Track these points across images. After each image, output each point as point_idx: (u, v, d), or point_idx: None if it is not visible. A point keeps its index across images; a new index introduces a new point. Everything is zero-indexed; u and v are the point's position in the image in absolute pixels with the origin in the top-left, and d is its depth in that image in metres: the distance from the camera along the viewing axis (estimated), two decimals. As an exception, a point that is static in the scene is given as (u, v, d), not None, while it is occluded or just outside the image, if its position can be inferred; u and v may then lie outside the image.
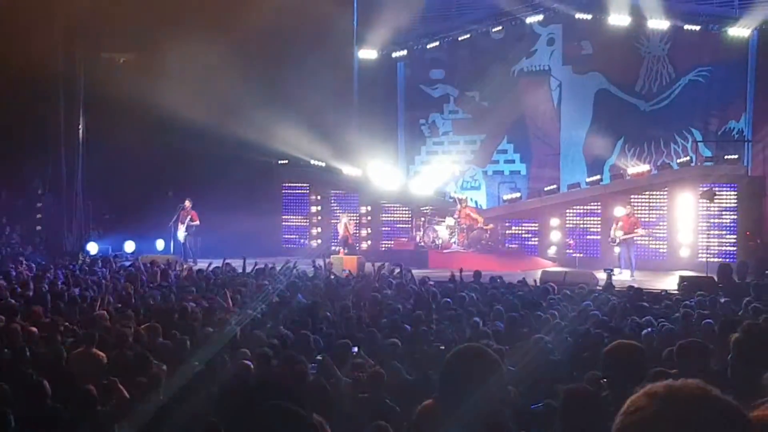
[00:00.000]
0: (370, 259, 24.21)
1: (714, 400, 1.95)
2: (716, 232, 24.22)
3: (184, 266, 22.08)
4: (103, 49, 29.40)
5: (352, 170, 28.81)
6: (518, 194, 27.86)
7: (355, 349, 9.48)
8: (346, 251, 25.07)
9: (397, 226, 28.48)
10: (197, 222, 25.74)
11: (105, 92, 26.21)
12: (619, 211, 23.50)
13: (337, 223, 27.30)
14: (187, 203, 25.82)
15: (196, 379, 7.91)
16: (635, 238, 22.87)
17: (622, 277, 21.12)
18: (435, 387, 7.44)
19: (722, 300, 14.50)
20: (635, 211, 23.54)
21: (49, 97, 26.69)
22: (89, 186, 27.64)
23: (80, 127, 27.10)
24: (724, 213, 24.14)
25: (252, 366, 8.31)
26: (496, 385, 3.54)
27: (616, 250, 23.09)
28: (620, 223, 22.89)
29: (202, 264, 22.42)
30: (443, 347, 9.25)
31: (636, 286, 16.73)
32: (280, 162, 29.37)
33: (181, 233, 25.79)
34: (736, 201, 24.03)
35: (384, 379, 7.90)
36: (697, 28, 26.05)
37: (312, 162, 29.19)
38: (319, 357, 8.47)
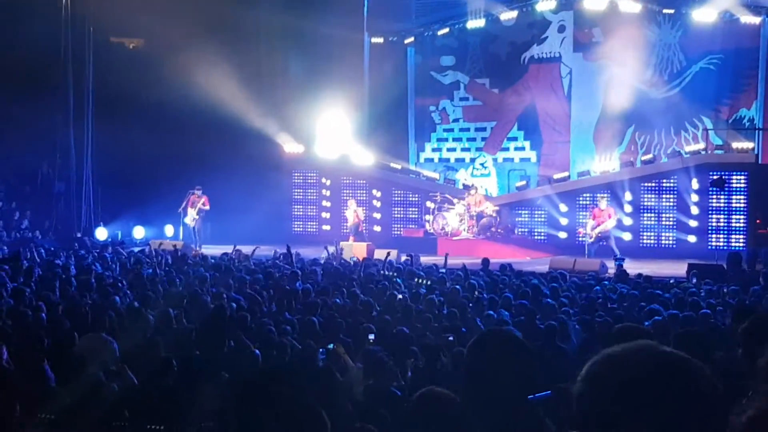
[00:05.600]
0: (379, 245, 24.24)
1: (662, 355, 2.03)
2: (726, 220, 24.18)
3: (195, 251, 22.13)
4: (113, 34, 29.40)
5: (362, 156, 28.79)
6: (524, 182, 27.84)
7: (371, 336, 9.49)
8: (356, 238, 25.09)
9: (408, 212, 28.51)
10: (208, 207, 25.65)
11: (114, 77, 26.28)
12: (602, 203, 23.39)
13: (345, 209, 27.27)
14: (198, 191, 25.70)
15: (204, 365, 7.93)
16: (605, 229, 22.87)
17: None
18: (442, 375, 7.44)
19: (725, 289, 14.46)
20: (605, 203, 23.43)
21: (57, 82, 26.71)
22: (98, 171, 27.68)
23: (89, 111, 27.11)
24: (734, 201, 24.10)
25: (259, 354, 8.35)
26: (528, 375, 3.30)
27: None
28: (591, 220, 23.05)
29: (209, 250, 22.48)
30: (451, 338, 9.24)
31: (645, 273, 16.74)
32: (288, 147, 29.31)
33: (190, 218, 25.61)
34: (746, 189, 23.97)
35: (387, 366, 7.91)
36: (709, 15, 25.93)
37: (321, 148, 29.17)
38: (331, 345, 8.48)
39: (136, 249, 22.95)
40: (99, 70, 27.03)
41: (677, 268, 19.85)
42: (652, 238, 25.15)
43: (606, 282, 15.92)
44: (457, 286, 14.01)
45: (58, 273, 15.50)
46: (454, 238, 25.64)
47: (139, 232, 27.65)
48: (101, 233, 26.94)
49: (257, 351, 8.46)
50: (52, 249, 22.15)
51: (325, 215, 29.47)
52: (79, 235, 26.61)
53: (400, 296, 13.05)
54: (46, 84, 26.65)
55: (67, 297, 12.71)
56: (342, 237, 25.76)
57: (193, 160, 27.14)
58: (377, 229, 28.29)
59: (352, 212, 26.22)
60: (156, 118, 26.87)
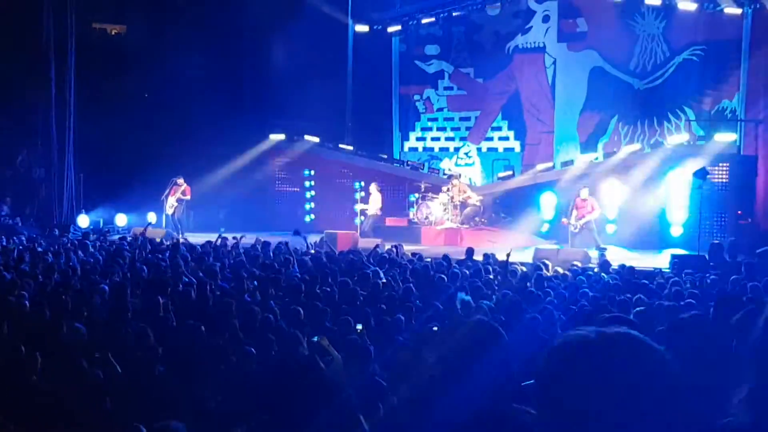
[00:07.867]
0: (363, 234, 24.23)
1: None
2: (708, 211, 24.25)
3: (177, 239, 22.01)
4: (95, 20, 29.19)
5: (346, 145, 28.75)
6: (509, 172, 27.82)
7: (359, 326, 9.49)
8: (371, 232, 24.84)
9: (391, 201, 28.41)
10: (188, 197, 25.48)
11: (96, 64, 26.09)
12: (584, 193, 23.19)
13: (366, 195, 26.83)
14: (180, 180, 25.44)
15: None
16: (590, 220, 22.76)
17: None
18: (427, 366, 7.42)
19: (709, 279, 14.53)
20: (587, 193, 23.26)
21: (39, 68, 26.50)
22: (80, 158, 27.46)
23: (71, 97, 26.91)
24: (716, 191, 24.17)
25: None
26: (498, 358, 3.23)
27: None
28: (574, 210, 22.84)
29: (193, 238, 22.39)
30: (436, 328, 9.23)
31: (628, 264, 16.78)
32: (272, 136, 29.15)
33: (169, 206, 25.37)
34: (728, 180, 24.06)
35: (371, 356, 7.90)
36: (693, 6, 26.00)
37: (305, 137, 29.06)
38: (315, 338, 8.45)
39: (118, 237, 22.81)
40: (81, 56, 26.81)
41: (660, 259, 19.92)
42: (634, 228, 25.16)
43: (589, 272, 15.96)
44: (442, 276, 14.02)
45: (39, 260, 15.43)
46: (438, 228, 25.62)
47: (121, 220, 27.47)
48: (83, 220, 26.77)
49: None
50: (33, 236, 22.02)
51: (309, 205, 29.38)
52: (60, 222, 26.42)
53: (384, 280, 13.07)
54: (27, 70, 26.42)
55: (50, 284, 12.64)
56: (325, 226, 25.61)
57: (175, 147, 26.97)
58: (361, 218, 28.23)
59: (376, 199, 25.83)
60: (138, 105, 26.70)
